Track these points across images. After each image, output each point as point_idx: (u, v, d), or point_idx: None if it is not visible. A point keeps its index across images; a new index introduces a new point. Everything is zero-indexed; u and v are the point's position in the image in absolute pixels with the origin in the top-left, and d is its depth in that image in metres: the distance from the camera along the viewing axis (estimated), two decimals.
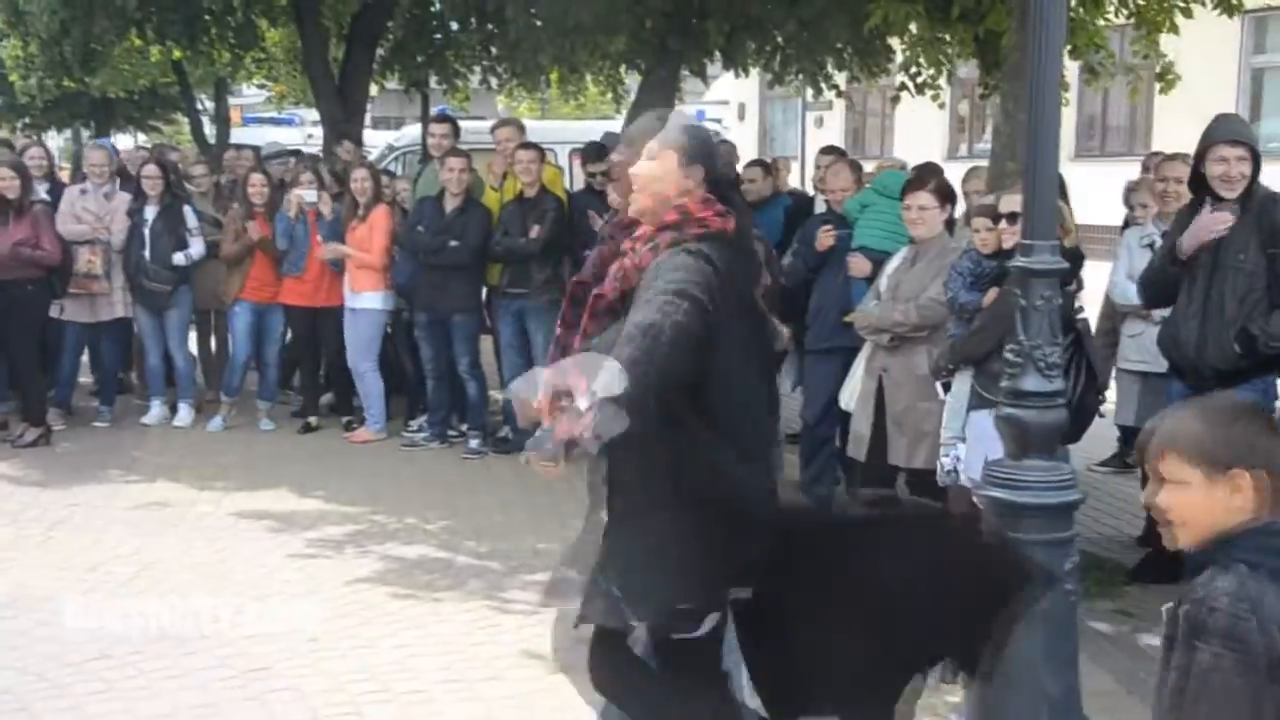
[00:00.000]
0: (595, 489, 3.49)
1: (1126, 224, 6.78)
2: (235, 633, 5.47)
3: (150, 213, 9.31)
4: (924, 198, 5.83)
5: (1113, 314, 6.59)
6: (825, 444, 7.32)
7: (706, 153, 3.40)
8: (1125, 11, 7.52)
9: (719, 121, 20.74)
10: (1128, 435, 7.09)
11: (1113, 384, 6.72)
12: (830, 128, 25.54)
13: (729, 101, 28.92)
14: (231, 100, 24.66)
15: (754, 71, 14.06)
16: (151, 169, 9.45)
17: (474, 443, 8.67)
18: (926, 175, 6.18)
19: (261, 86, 20.44)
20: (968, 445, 5.29)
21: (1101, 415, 5.83)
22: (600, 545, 3.44)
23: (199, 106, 22.29)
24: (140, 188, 9.38)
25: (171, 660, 5.18)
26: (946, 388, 5.48)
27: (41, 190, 9.31)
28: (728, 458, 3.31)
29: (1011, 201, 5.22)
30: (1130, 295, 6.00)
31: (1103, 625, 5.58)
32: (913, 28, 7.38)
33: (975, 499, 5.29)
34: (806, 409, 7.38)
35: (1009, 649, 3.50)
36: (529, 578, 6.15)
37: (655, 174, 3.37)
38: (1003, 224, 5.24)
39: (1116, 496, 7.53)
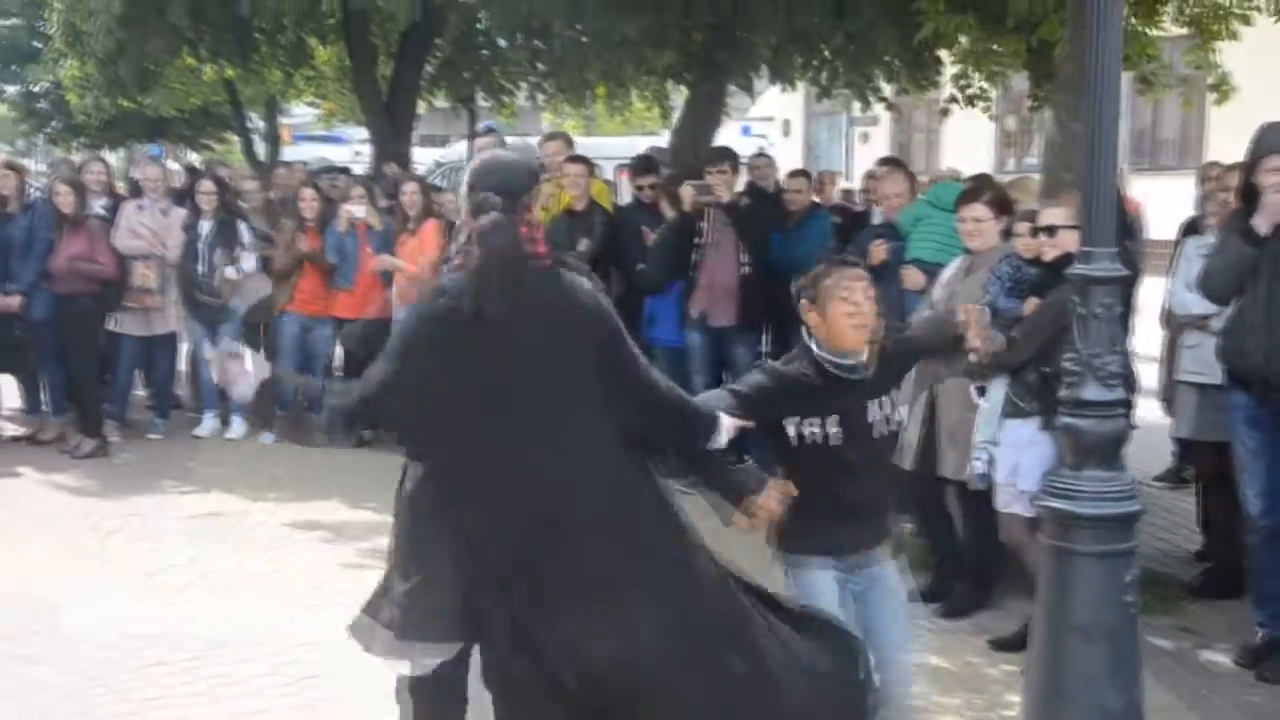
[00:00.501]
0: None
1: (1189, 231, 6.69)
2: (289, 640, 5.51)
3: (205, 227, 9.43)
4: (979, 209, 5.80)
5: (1172, 325, 6.53)
6: None
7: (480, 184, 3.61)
8: (1182, 19, 7.42)
9: (764, 137, 20.69)
10: (1185, 449, 7.00)
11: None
12: (876, 143, 25.46)
13: (774, 118, 28.90)
14: (281, 120, 24.91)
15: (799, 86, 14.01)
16: (207, 184, 9.57)
17: None
18: (982, 186, 6.15)
19: (311, 104, 20.66)
20: (1000, 452, 5.28)
21: (1135, 426, 5.77)
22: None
23: (250, 125, 22.53)
24: (195, 203, 9.50)
25: (227, 667, 5.23)
26: (981, 392, 5.46)
27: (100, 205, 9.43)
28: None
29: (1051, 215, 5.21)
30: (1189, 305, 5.93)
31: (1164, 641, 5.51)
32: (963, 39, 7.34)
33: (1000, 506, 5.33)
34: None
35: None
36: None
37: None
38: (1042, 236, 5.22)
39: (1174, 511, 7.45)
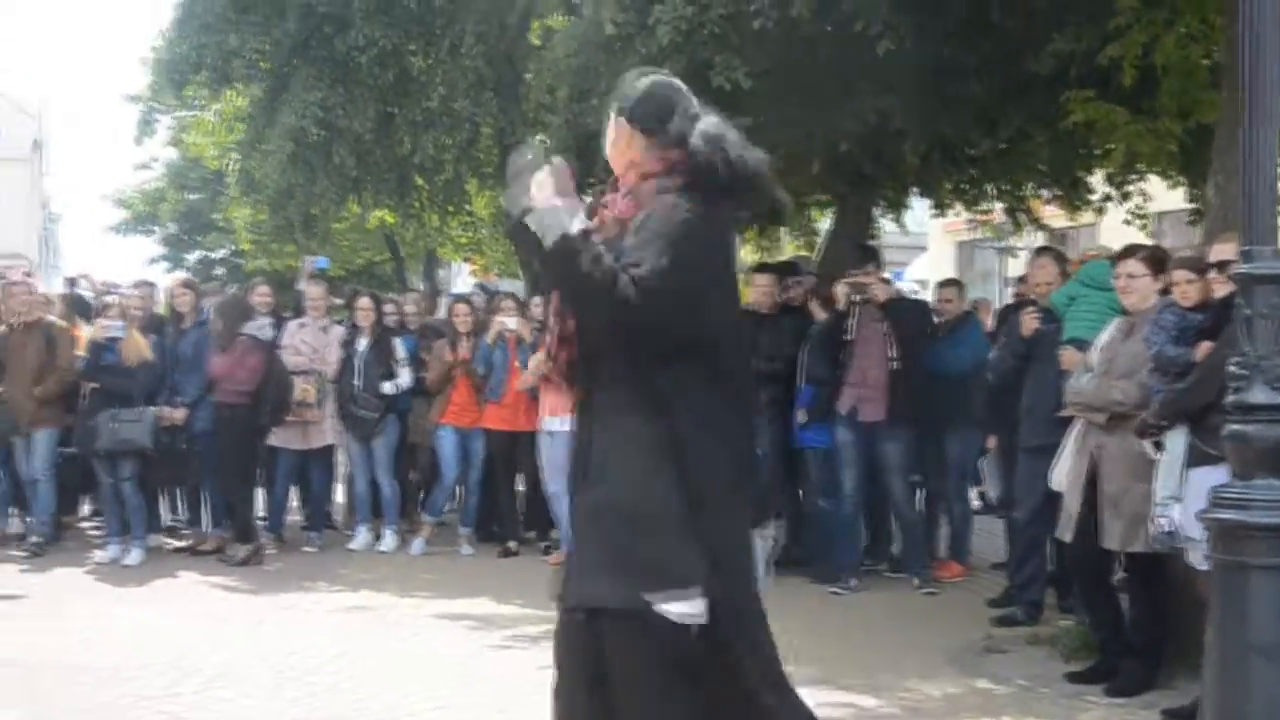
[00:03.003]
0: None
1: None
2: (428, 704, 5.47)
3: (362, 344, 9.71)
4: (1133, 265, 5.66)
5: None
6: (1036, 547, 7.01)
7: (658, 115, 3.30)
8: None
9: (916, 290, 20.56)
10: None
11: None
12: None
13: (927, 280, 28.80)
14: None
15: (950, 247, 13.89)
16: (365, 302, 9.89)
17: None
18: (1138, 246, 6.03)
19: (466, 259, 21.45)
20: (1185, 504, 4.98)
21: None
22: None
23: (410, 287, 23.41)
24: (354, 320, 9.82)
25: None
26: (1157, 446, 5.21)
27: (266, 324, 9.78)
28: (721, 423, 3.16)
29: (1221, 251, 5.05)
30: None
31: None
32: (1118, 123, 7.28)
33: (1197, 564, 4.99)
34: (1018, 508, 7.08)
35: None
36: None
37: (614, 140, 3.38)
38: (1212, 274, 5.04)
39: None
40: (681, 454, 3.09)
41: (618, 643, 3.11)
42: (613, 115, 3.38)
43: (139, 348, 9.23)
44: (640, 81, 3.40)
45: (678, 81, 3.43)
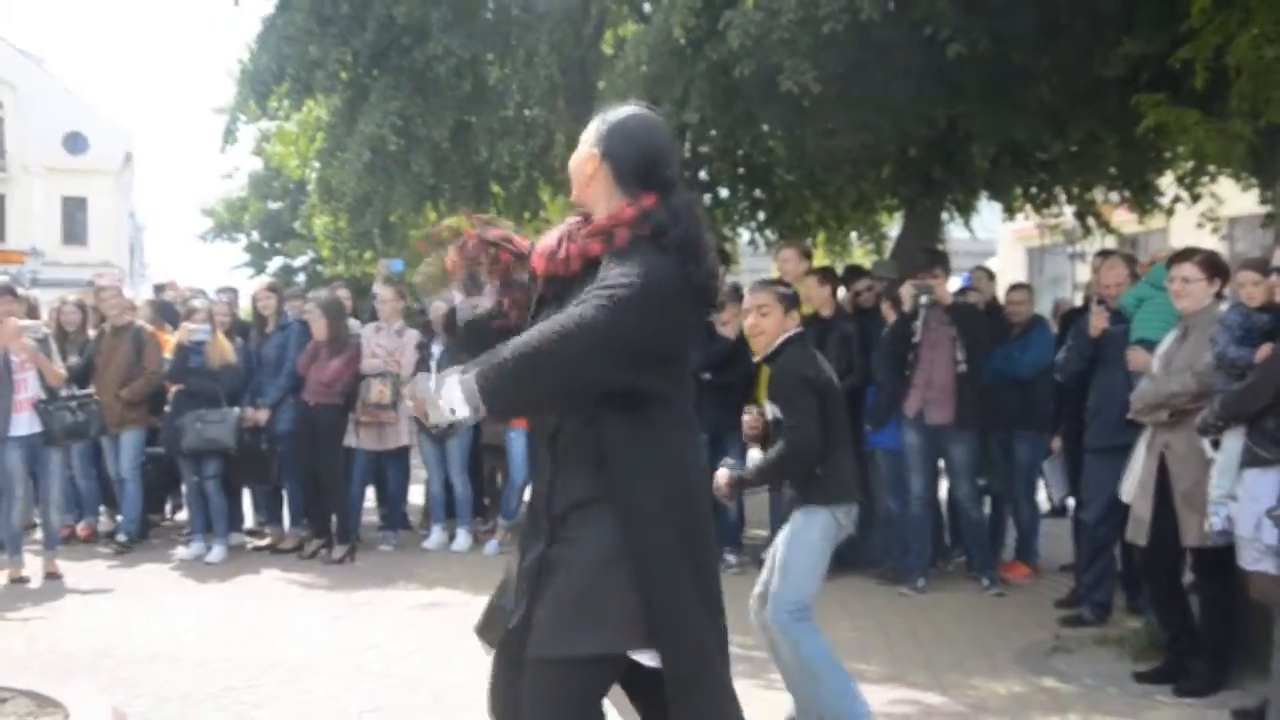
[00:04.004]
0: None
1: None
2: None
3: (437, 348, 9.90)
4: (1188, 269, 5.65)
5: None
6: (1105, 549, 7.00)
7: (634, 163, 3.09)
8: None
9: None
10: None
11: None
12: None
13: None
14: None
15: (1020, 252, 13.78)
16: (439, 305, 10.08)
17: (730, 559, 8.69)
18: (1194, 250, 6.01)
19: None
20: (1240, 504, 4.99)
21: None
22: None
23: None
24: (429, 324, 10.02)
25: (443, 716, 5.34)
26: (1215, 445, 5.22)
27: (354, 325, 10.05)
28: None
29: None
30: None
31: None
32: (1188, 125, 7.23)
33: (1246, 564, 4.99)
34: (1085, 510, 7.08)
35: None
36: None
37: (583, 167, 3.15)
38: (1273, 277, 5.03)
39: None
40: (629, 509, 2.98)
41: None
42: (590, 142, 3.14)
43: (224, 351, 9.51)
44: (626, 116, 3.14)
45: (664, 126, 3.23)
